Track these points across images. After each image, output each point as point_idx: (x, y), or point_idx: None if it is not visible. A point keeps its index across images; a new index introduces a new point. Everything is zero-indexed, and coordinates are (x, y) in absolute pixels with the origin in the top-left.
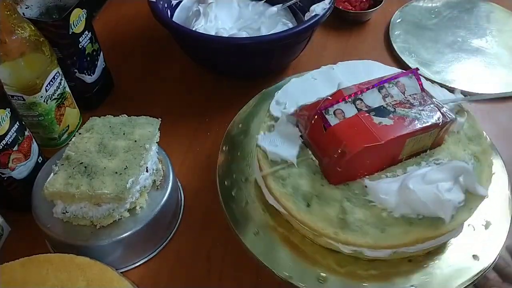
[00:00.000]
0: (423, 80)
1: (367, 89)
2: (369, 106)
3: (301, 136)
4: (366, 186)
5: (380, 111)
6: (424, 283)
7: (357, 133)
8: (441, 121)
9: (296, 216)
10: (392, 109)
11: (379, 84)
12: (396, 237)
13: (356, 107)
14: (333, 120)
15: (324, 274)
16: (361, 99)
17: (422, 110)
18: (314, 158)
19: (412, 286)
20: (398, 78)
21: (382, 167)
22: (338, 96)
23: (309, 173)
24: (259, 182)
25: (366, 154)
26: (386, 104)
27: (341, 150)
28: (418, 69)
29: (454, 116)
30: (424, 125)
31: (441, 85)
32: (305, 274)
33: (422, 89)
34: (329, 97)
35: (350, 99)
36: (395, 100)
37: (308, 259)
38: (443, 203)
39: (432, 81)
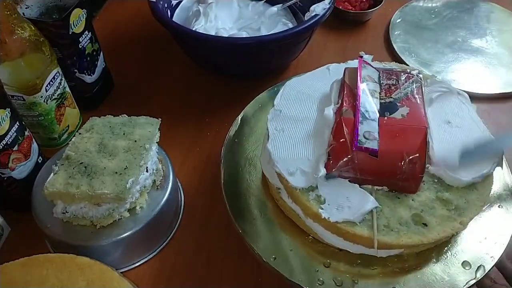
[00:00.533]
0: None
1: (358, 100)
2: (374, 111)
3: (349, 180)
4: (434, 174)
5: (389, 107)
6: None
7: (403, 137)
8: (419, 78)
9: (429, 241)
10: (392, 99)
11: (360, 90)
12: (488, 184)
13: (371, 120)
14: (373, 144)
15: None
16: (367, 110)
17: (404, 82)
18: (379, 188)
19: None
20: (362, 74)
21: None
22: (350, 123)
23: (393, 200)
24: (356, 251)
25: (425, 146)
26: (382, 99)
27: (409, 160)
28: (362, 57)
29: (416, 69)
30: (420, 90)
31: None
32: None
33: (377, 69)
34: (345, 133)
35: (361, 118)
36: (380, 92)
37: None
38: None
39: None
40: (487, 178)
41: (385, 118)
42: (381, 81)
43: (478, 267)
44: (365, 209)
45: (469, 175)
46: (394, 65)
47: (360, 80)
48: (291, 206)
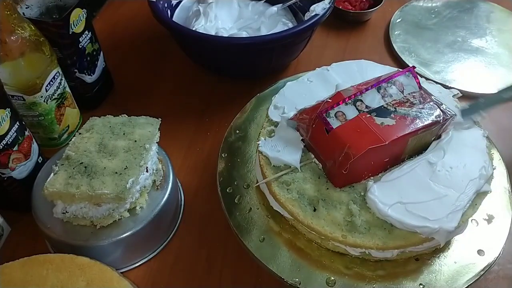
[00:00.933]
0: (420, 77)
1: (366, 89)
2: (369, 107)
3: (302, 140)
4: (366, 189)
5: (381, 111)
6: (432, 281)
7: (360, 135)
8: (441, 118)
9: (303, 221)
10: (393, 109)
11: (378, 84)
12: (403, 237)
13: (357, 109)
14: (335, 123)
15: (332, 278)
16: (361, 100)
17: (422, 108)
18: (317, 162)
19: (420, 284)
20: (396, 77)
21: (385, 167)
22: (338, 98)
23: (314, 177)
24: (262, 188)
25: (371, 156)
26: (387, 104)
27: (345, 153)
28: (415, 67)
29: (454, 112)
30: (425, 123)
31: (442, 85)
32: (313, 279)
33: (420, 87)
34: (328, 100)
35: (350, 101)
36: (394, 100)
37: (315, 263)
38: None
39: (427, 78)
40: (413, 237)
41: (367, 115)
42: (406, 95)
43: None
44: (284, 161)
45: (396, 215)
46: (450, 100)
47: (385, 80)
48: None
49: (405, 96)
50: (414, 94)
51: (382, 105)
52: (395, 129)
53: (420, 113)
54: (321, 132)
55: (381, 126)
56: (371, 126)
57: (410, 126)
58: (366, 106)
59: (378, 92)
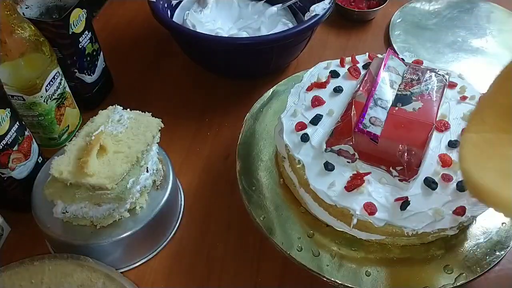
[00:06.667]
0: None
1: (374, 86)
2: (388, 100)
3: (348, 162)
4: None
5: (403, 99)
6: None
7: (408, 129)
8: (444, 80)
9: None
10: (408, 92)
11: (379, 77)
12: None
13: (382, 107)
14: (376, 129)
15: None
16: (380, 98)
17: (426, 80)
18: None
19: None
20: (387, 64)
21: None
22: (360, 106)
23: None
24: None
25: (428, 141)
26: (399, 91)
27: (408, 151)
28: (391, 49)
29: (445, 71)
30: (440, 90)
31: None
32: None
33: (405, 63)
34: (353, 112)
35: (372, 103)
36: (400, 84)
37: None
38: None
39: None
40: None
41: (396, 108)
42: (405, 75)
43: (460, 274)
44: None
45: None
46: (426, 63)
47: (382, 69)
48: (289, 174)
49: (404, 77)
50: (409, 71)
51: (397, 94)
52: (428, 108)
53: (429, 84)
54: (368, 144)
55: (417, 112)
56: (410, 116)
57: (434, 100)
58: (386, 101)
59: (384, 83)
